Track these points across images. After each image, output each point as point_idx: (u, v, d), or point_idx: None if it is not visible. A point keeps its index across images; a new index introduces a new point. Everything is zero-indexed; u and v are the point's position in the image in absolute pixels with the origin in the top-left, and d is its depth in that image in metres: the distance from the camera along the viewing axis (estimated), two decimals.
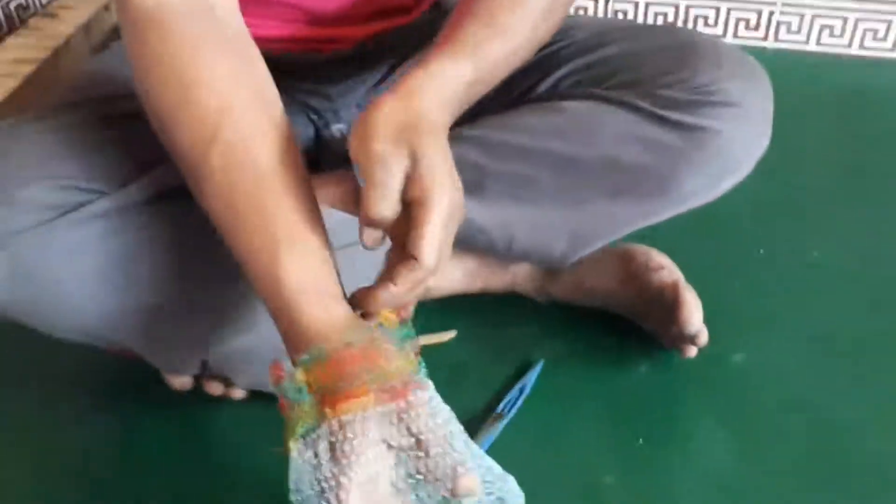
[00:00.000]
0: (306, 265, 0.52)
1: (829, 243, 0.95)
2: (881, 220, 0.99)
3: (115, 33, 1.19)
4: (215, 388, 0.75)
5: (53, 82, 1.02)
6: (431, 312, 0.82)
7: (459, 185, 0.54)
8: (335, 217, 0.77)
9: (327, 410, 0.47)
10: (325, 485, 0.46)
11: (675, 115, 0.73)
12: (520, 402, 0.76)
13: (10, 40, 1.08)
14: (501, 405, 0.75)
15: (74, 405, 0.79)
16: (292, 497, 0.48)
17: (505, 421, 0.74)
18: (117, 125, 0.65)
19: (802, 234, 0.97)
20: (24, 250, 0.60)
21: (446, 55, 0.58)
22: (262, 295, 0.53)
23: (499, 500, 0.52)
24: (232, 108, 0.54)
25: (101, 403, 0.79)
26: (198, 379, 0.75)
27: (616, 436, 0.74)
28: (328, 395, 0.47)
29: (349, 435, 0.46)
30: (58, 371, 0.82)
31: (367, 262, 0.76)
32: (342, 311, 0.51)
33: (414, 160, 0.51)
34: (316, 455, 0.46)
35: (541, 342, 0.83)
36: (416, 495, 0.47)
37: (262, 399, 0.74)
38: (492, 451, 0.70)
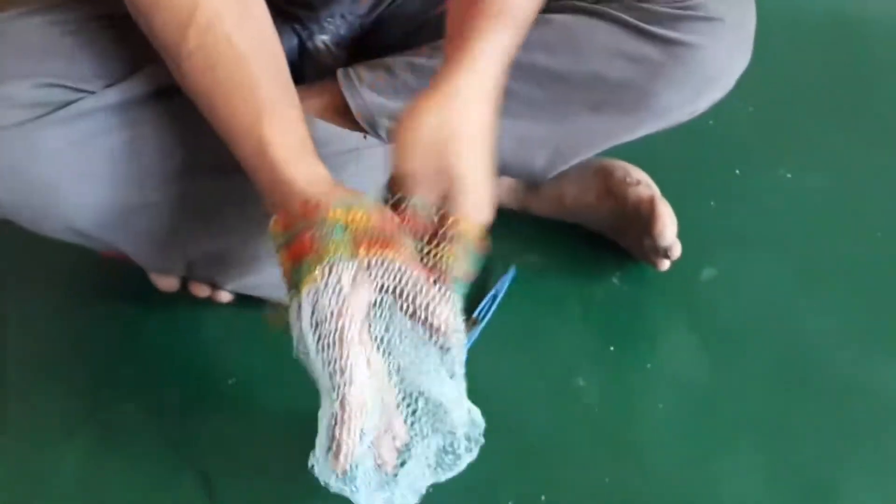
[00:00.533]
0: (289, 128, 0.57)
1: (802, 165, 0.97)
2: (854, 144, 1.01)
3: None
4: (201, 291, 0.76)
5: None
6: None
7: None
8: (319, 127, 0.78)
9: (362, 250, 0.51)
10: (337, 310, 0.50)
11: (658, 30, 0.74)
12: (494, 308, 0.78)
13: None
14: (476, 311, 0.78)
15: (59, 305, 0.80)
16: (303, 331, 0.51)
17: (480, 326, 0.77)
18: (113, 25, 0.65)
19: (777, 155, 0.99)
20: (9, 148, 0.60)
21: (482, 37, 0.59)
22: (243, 155, 0.57)
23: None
24: None
25: (87, 303, 0.80)
26: (184, 280, 0.76)
27: (588, 343, 0.77)
28: (367, 239, 0.52)
29: (373, 275, 0.51)
30: (44, 270, 0.83)
31: (350, 173, 0.77)
32: (325, 171, 0.56)
33: (450, 182, 0.56)
34: (339, 281, 0.50)
35: (519, 254, 0.84)
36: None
37: (248, 302, 0.76)
38: (468, 355, 0.73)
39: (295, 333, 0.52)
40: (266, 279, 0.76)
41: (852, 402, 0.73)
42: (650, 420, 0.71)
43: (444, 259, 0.54)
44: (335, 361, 0.51)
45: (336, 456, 0.52)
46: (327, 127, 0.77)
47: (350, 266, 0.51)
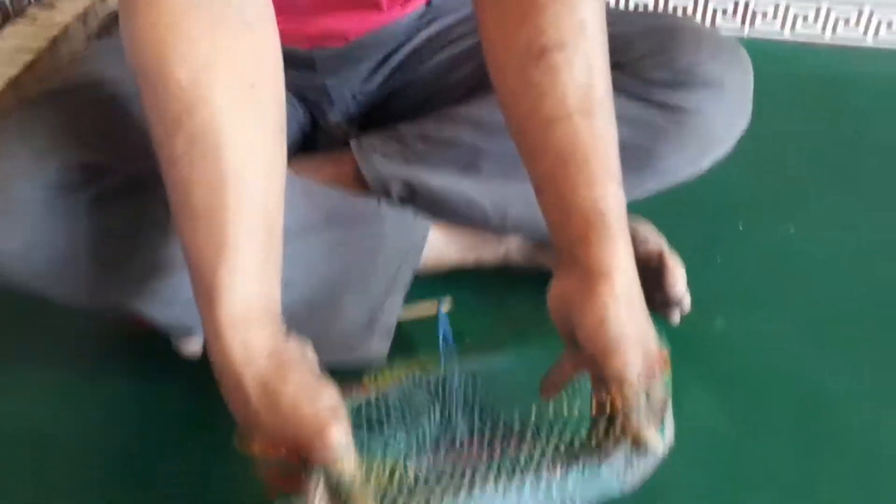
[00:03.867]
0: (243, 287, 0.52)
1: (804, 219, 1.00)
2: (855, 198, 1.04)
3: (111, 19, 1.21)
4: None
5: (53, 71, 1.04)
6: (427, 286, 0.85)
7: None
8: (337, 195, 0.81)
9: None
10: None
11: (659, 96, 0.77)
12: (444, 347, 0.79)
13: (8, 30, 1.10)
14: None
15: (85, 375, 0.81)
16: None
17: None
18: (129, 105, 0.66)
19: (780, 210, 1.01)
20: (36, 227, 0.62)
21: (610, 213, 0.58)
22: (194, 293, 0.54)
23: None
24: (208, 89, 0.51)
25: (113, 374, 0.81)
26: None
27: None
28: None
29: None
30: (69, 341, 0.84)
31: (374, 233, 0.79)
32: (262, 341, 0.52)
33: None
34: None
35: (533, 313, 0.85)
36: None
37: None
38: None
39: None
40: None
41: (865, 456, 0.73)
42: (670, 474, 0.71)
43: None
44: None
45: None
46: (345, 195, 0.80)
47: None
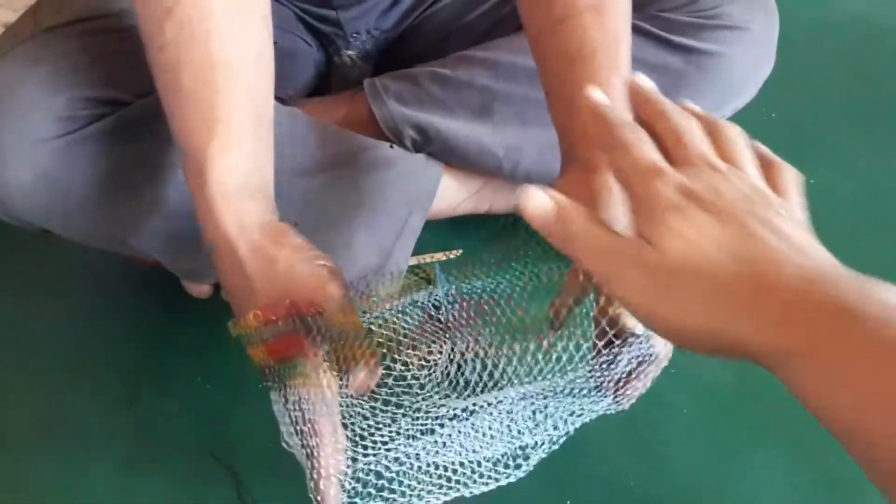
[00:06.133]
0: (234, 161, 0.52)
1: (826, 171, 0.97)
2: (878, 149, 1.01)
3: None
4: None
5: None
6: (439, 232, 0.85)
7: None
8: (346, 137, 0.80)
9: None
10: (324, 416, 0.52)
11: (680, 39, 0.75)
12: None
13: None
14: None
15: (95, 311, 0.82)
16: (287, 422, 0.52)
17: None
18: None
19: (801, 161, 0.96)
20: (45, 159, 0.62)
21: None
22: (187, 175, 0.54)
23: None
24: None
25: (120, 310, 0.82)
26: (217, 287, 0.78)
27: None
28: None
29: None
30: (79, 278, 0.85)
31: (383, 181, 0.78)
32: (255, 214, 0.52)
33: None
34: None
35: (545, 261, 0.85)
36: None
37: None
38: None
39: (281, 419, 0.53)
40: None
41: None
42: (675, 423, 0.72)
43: None
44: (313, 449, 0.51)
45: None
46: (354, 137, 0.79)
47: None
